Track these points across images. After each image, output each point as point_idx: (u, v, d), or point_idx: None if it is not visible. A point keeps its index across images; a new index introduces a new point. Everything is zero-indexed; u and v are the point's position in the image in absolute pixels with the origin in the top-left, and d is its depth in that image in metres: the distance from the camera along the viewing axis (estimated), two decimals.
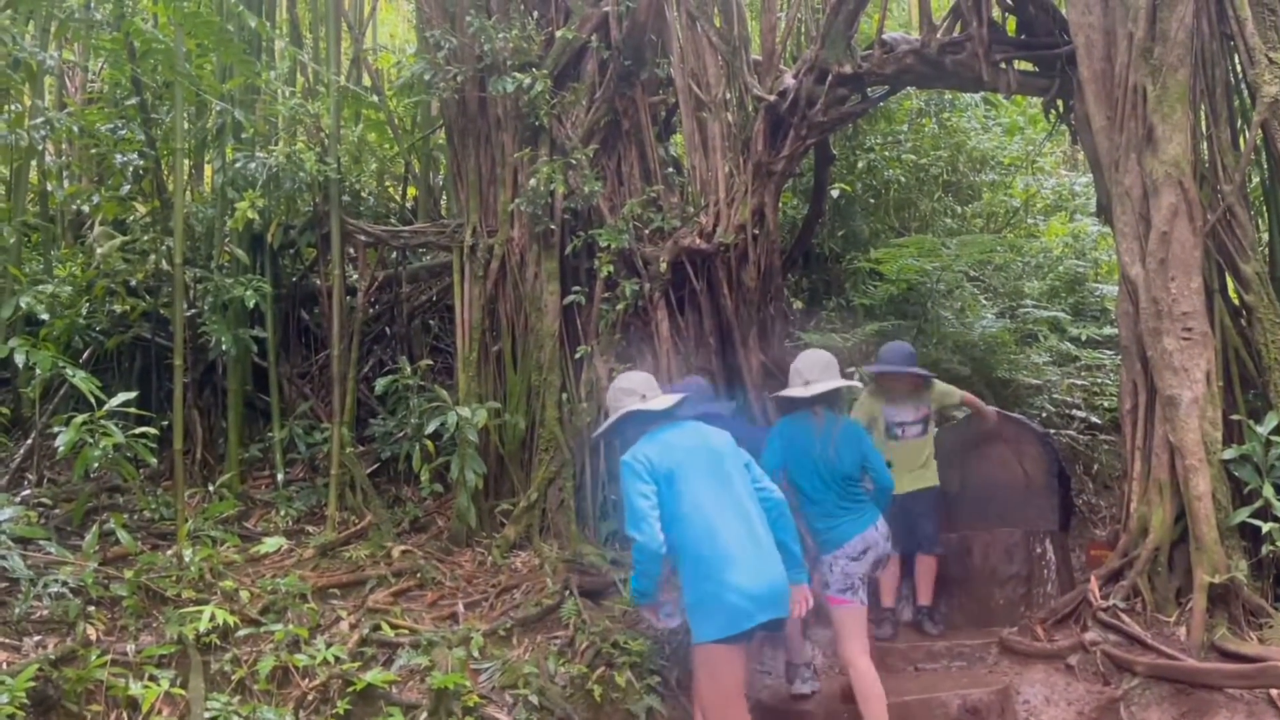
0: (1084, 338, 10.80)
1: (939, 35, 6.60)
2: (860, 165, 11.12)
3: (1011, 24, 7.04)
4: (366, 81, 9.88)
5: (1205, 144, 5.65)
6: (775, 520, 4.51)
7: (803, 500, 5.13)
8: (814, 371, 5.11)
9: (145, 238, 7.64)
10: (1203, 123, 5.61)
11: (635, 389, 4.65)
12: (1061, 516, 6.95)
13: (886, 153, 11.17)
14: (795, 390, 5.11)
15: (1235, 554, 5.29)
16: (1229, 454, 5.39)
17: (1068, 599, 5.89)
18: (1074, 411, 10.44)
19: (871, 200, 11.60)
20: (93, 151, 8.03)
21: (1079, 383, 10.71)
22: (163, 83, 7.04)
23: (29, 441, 7.27)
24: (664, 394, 4.73)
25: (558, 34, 7.25)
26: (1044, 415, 10.08)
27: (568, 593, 6.06)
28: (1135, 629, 5.37)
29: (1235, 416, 5.56)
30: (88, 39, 6.25)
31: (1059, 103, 6.80)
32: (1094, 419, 10.41)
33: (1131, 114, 5.49)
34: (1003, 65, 6.49)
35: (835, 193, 10.67)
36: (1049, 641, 5.67)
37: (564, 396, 7.23)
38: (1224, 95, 5.64)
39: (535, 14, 7.42)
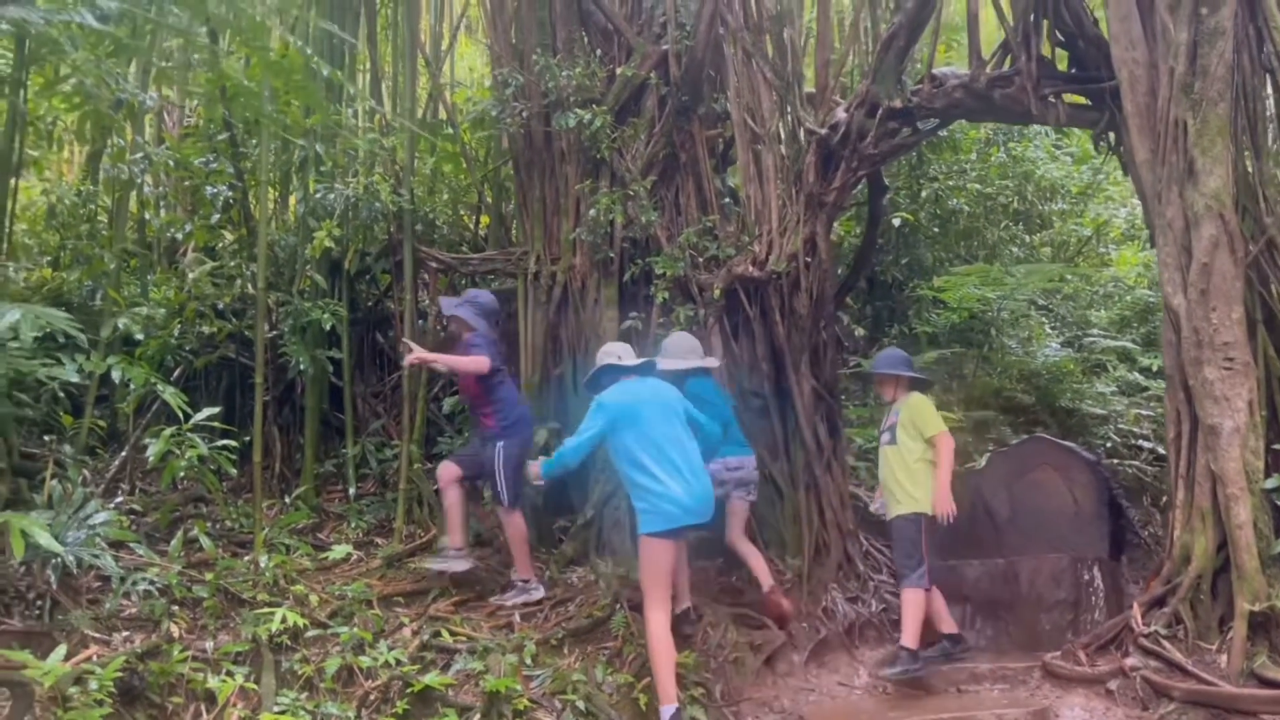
0: (1154, 368, 10.73)
1: (988, 70, 6.75)
2: (924, 194, 11.24)
3: (1064, 60, 7.15)
4: (443, 115, 10.34)
5: (1247, 177, 5.71)
6: (706, 439, 6.03)
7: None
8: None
9: (232, 264, 8.12)
10: (1245, 156, 5.68)
11: (614, 351, 6.09)
12: (1112, 544, 6.99)
13: (950, 182, 11.26)
14: (704, 361, 6.68)
15: (1277, 582, 5.32)
16: (1270, 483, 5.44)
17: (1111, 625, 5.96)
18: (1141, 442, 10.37)
19: (935, 229, 11.70)
20: (186, 183, 8.56)
21: (1147, 413, 10.63)
22: (252, 119, 7.52)
23: (124, 453, 7.76)
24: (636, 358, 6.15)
25: (619, 71, 7.58)
26: (1109, 445, 10.04)
27: (618, 606, 6.29)
28: (1176, 655, 5.43)
29: (1278, 446, 5.59)
30: (184, 82, 6.72)
31: (1111, 135, 6.89)
32: (1161, 450, 10.30)
33: (1173, 147, 5.59)
34: (1051, 99, 6.61)
35: (897, 221, 10.81)
36: (1090, 666, 5.75)
37: None
38: (1265, 129, 5.71)
39: (599, 52, 7.76)
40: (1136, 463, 9.98)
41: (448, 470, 6.71)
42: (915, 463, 6.15)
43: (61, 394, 7.46)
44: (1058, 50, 6.94)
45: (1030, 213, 12.96)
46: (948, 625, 6.25)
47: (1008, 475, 7.31)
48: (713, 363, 6.84)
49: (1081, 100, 6.79)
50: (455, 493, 6.66)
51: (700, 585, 6.96)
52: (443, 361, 6.71)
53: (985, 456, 8.69)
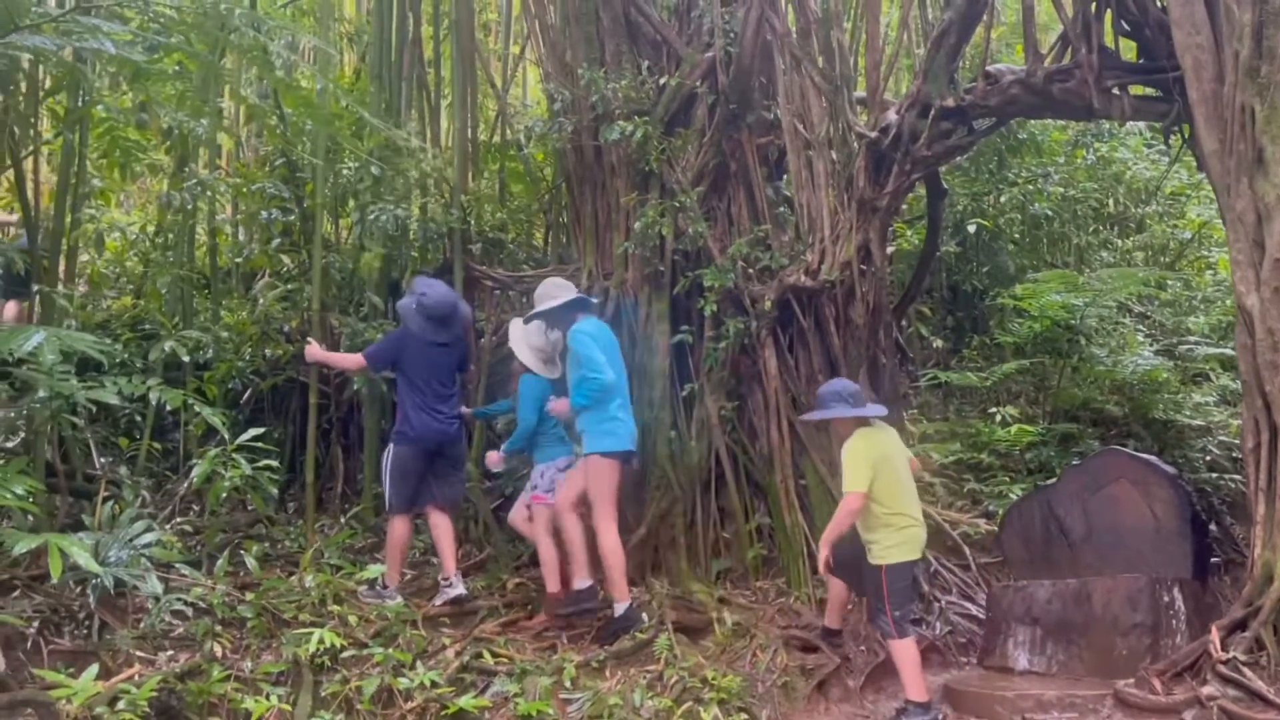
0: None
1: (1046, 64, 6.42)
2: (1005, 199, 10.82)
3: (1131, 50, 6.78)
4: (510, 134, 10.39)
5: None
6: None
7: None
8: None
9: (290, 286, 8.25)
10: None
11: (568, 286, 6.56)
12: (1196, 564, 6.52)
13: (1030, 186, 10.82)
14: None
15: None
16: None
17: (1188, 650, 5.54)
18: None
19: (1017, 235, 11.26)
20: (243, 209, 8.74)
21: None
22: (301, 146, 7.65)
23: (191, 475, 7.93)
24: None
25: (662, 81, 7.47)
26: (1209, 458, 9.49)
27: (663, 627, 6.13)
28: (1257, 684, 5.00)
29: None
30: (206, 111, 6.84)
31: (1185, 128, 6.49)
32: None
33: (1240, 136, 5.21)
34: (1115, 91, 6.25)
35: (972, 228, 10.43)
36: (1165, 695, 5.34)
37: (673, 434, 7.35)
38: None
39: (647, 64, 7.67)
40: (1239, 476, 9.38)
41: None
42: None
43: (138, 418, 7.71)
44: (1123, 41, 6.58)
45: (1124, 216, 12.41)
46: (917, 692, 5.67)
47: (1082, 490, 6.87)
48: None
49: (1149, 91, 6.41)
50: (434, 518, 6.69)
51: (754, 606, 6.80)
52: (331, 360, 6.86)
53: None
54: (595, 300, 6.77)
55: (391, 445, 6.55)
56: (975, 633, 6.99)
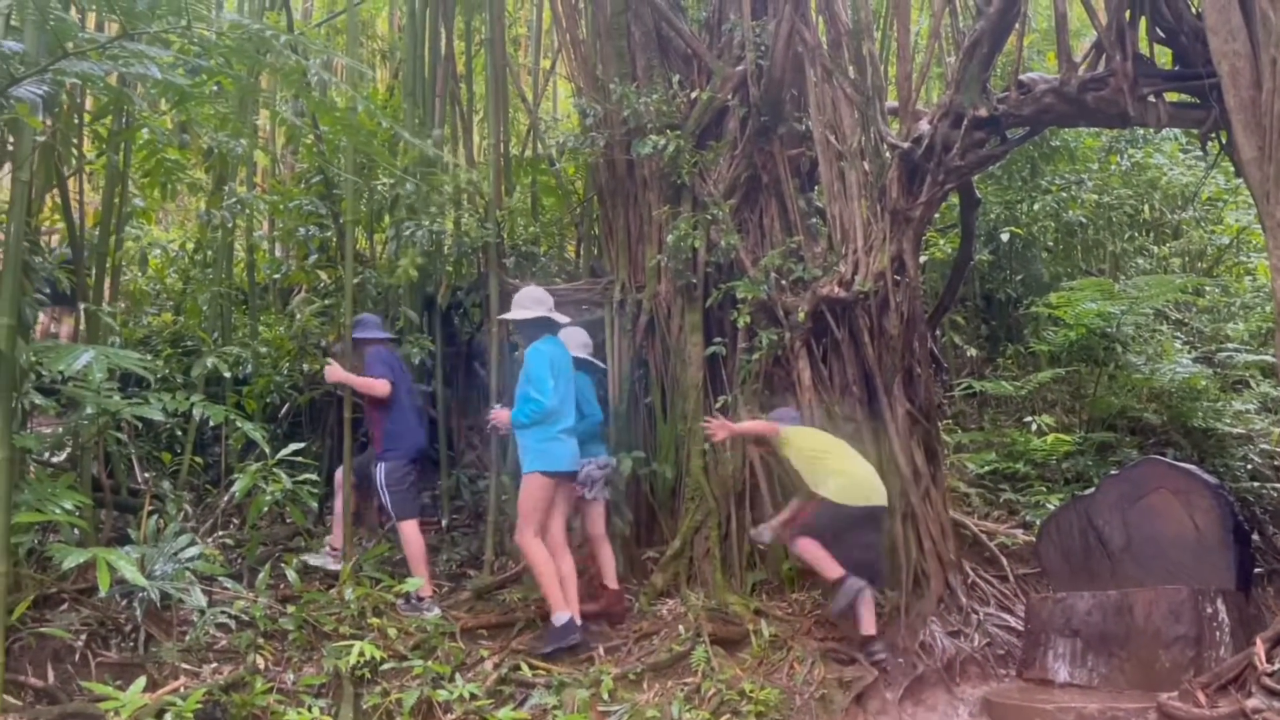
0: None
1: (1080, 72, 6.39)
2: (1038, 207, 10.77)
3: (1167, 57, 6.74)
4: (542, 148, 10.46)
5: None
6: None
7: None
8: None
9: (328, 302, 8.35)
10: None
11: (546, 302, 6.52)
12: (1240, 575, 6.44)
13: (1064, 193, 10.76)
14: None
15: None
16: None
17: (1232, 663, 5.47)
18: None
19: (1050, 243, 11.19)
20: (280, 226, 8.86)
21: None
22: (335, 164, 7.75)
23: (232, 489, 8.03)
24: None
25: (693, 94, 7.51)
26: (1250, 467, 9.38)
27: (699, 639, 6.13)
28: None
29: None
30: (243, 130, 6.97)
31: (1223, 134, 6.43)
32: None
33: (1279, 143, 5.17)
34: (1150, 99, 6.21)
35: (1005, 236, 10.38)
36: (1210, 708, 5.28)
37: (708, 446, 7.36)
38: None
39: (678, 77, 7.71)
40: None
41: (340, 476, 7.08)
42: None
43: (179, 433, 7.82)
44: (1158, 48, 6.54)
45: (1160, 222, 12.31)
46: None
47: (1121, 500, 6.81)
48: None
49: (1185, 98, 6.37)
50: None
51: (790, 618, 6.78)
52: (352, 382, 6.80)
53: None
54: (565, 321, 6.80)
55: (386, 460, 6.78)
56: (1014, 645, 6.94)
